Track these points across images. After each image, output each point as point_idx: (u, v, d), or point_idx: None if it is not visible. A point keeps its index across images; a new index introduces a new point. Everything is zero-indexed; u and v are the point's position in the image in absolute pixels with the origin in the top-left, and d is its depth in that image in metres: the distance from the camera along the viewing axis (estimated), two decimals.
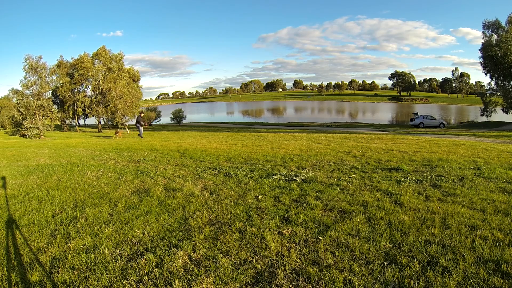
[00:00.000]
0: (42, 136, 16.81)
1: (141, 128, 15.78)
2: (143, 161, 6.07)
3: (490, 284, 1.72)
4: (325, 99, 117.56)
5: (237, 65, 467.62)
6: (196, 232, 2.46)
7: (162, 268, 1.97)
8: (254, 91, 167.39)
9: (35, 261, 2.10)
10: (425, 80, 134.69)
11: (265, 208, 2.99)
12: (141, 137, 14.94)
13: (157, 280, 1.84)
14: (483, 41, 26.82)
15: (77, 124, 27.84)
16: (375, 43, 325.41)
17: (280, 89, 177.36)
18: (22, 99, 17.73)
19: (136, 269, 1.97)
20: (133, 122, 26.75)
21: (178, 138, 12.21)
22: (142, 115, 16.90)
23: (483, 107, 31.57)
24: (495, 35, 25.89)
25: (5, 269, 2.00)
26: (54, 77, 22.13)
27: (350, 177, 4.27)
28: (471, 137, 13.47)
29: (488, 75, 27.86)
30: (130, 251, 2.20)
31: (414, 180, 4.03)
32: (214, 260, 2.05)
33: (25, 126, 16.73)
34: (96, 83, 24.01)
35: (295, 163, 5.47)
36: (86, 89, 25.44)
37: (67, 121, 26.51)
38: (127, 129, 21.27)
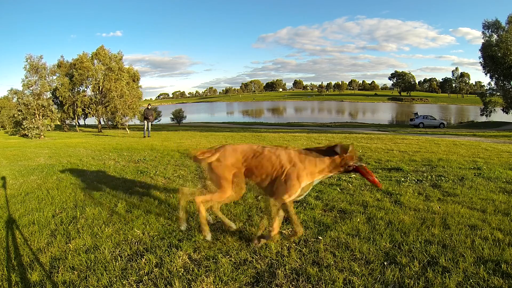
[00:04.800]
0: (42, 136, 16.80)
1: (149, 125, 13.93)
2: (143, 161, 6.07)
3: (490, 284, 1.72)
4: (325, 99, 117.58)
5: (237, 65, 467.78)
6: (196, 232, 2.46)
7: (162, 268, 1.97)
8: (254, 91, 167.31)
9: (35, 261, 2.10)
10: (425, 80, 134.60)
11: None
12: (148, 136, 13.46)
13: (157, 280, 1.84)
14: (483, 41, 26.84)
15: (77, 124, 27.83)
16: (374, 43, 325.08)
17: (280, 89, 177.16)
18: (22, 98, 17.74)
19: (136, 269, 1.97)
20: (133, 122, 26.72)
21: (178, 138, 12.21)
22: (149, 107, 14.95)
23: (483, 107, 31.59)
24: (495, 35, 25.91)
25: (5, 269, 2.00)
26: (54, 77, 22.14)
27: (350, 177, 4.26)
28: (471, 137, 13.47)
29: (488, 75, 27.90)
30: (130, 251, 2.20)
31: (414, 180, 4.03)
32: (214, 260, 2.05)
33: (25, 126, 16.71)
34: (96, 83, 24.01)
35: None
36: (86, 88, 25.47)
37: (67, 121, 26.52)
38: (127, 129, 21.26)
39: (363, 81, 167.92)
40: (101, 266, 2.00)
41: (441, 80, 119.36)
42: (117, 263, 2.03)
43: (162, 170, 5.04)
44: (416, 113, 33.39)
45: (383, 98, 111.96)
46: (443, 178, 4.11)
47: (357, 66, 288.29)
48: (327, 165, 2.04)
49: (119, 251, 2.21)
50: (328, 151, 2.05)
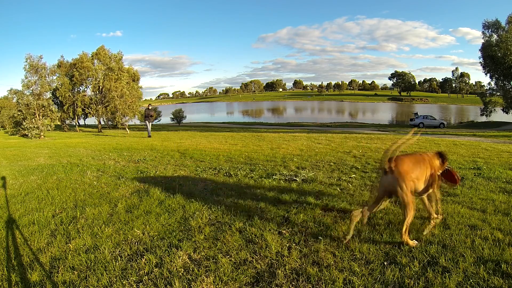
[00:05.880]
0: (42, 136, 16.79)
1: (149, 125, 13.89)
2: (143, 161, 6.07)
3: (490, 284, 1.72)
4: (325, 99, 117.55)
5: (237, 65, 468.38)
6: (196, 232, 2.46)
7: (162, 268, 1.97)
8: (254, 91, 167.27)
9: (35, 261, 2.10)
10: (425, 80, 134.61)
11: (265, 208, 2.99)
12: (149, 136, 13.44)
13: (157, 280, 1.84)
14: (483, 41, 26.82)
15: (77, 124, 27.83)
16: (374, 43, 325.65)
17: (280, 89, 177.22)
18: (22, 98, 17.77)
19: (136, 269, 1.97)
20: (133, 122, 26.73)
21: (178, 138, 12.21)
22: (150, 107, 14.89)
23: (483, 107, 31.57)
24: (495, 35, 25.89)
25: (5, 269, 2.00)
26: (54, 77, 22.16)
27: (350, 177, 4.27)
28: (471, 137, 13.47)
29: (488, 75, 27.88)
30: (130, 251, 2.20)
31: None
32: (214, 260, 2.05)
33: (25, 126, 16.71)
34: (96, 83, 24.02)
35: (295, 163, 5.46)
36: (86, 88, 25.48)
37: (67, 121, 26.53)
38: (127, 129, 21.26)
39: (363, 81, 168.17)
40: (101, 266, 2.00)
41: (441, 80, 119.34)
42: (117, 263, 2.03)
43: (162, 170, 5.04)
44: (416, 113, 33.40)
45: (383, 98, 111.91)
46: None
47: (357, 66, 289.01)
48: (438, 166, 2.60)
49: (119, 251, 2.21)
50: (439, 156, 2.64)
